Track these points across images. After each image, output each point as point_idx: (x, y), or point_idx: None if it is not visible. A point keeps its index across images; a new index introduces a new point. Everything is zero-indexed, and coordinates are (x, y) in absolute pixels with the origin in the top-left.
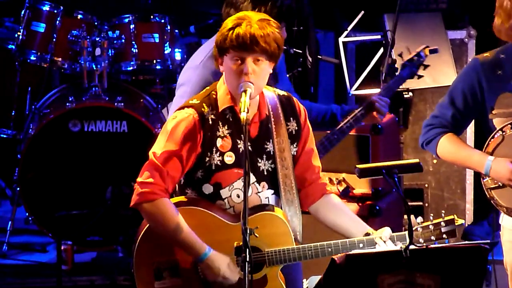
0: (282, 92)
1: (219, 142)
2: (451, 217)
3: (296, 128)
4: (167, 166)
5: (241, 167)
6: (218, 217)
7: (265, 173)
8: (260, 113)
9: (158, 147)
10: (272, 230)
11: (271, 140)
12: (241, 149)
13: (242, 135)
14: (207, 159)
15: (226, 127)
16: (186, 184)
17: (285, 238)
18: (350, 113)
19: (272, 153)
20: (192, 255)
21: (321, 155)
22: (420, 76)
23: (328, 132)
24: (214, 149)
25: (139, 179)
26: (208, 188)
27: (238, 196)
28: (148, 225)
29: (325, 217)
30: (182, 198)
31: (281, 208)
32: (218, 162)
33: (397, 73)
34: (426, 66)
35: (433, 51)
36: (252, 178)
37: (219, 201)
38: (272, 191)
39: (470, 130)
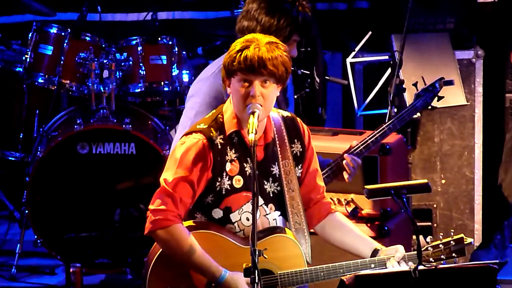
0: (286, 113)
1: (228, 166)
2: (460, 235)
3: (301, 149)
4: (179, 192)
5: (250, 190)
6: (230, 240)
7: (271, 195)
8: (266, 136)
9: (169, 174)
10: (284, 253)
11: (276, 163)
12: (248, 172)
13: (248, 159)
14: (217, 183)
15: (233, 151)
16: (195, 208)
17: (297, 260)
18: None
19: (278, 176)
20: (210, 278)
21: None
22: (433, 108)
23: None
24: (224, 174)
25: (151, 207)
26: (218, 213)
27: (248, 219)
28: (160, 251)
29: (332, 236)
30: (191, 223)
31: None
32: (228, 186)
33: (410, 103)
34: (440, 98)
35: (448, 83)
36: (260, 201)
37: (229, 225)
38: (279, 213)
39: (479, 150)
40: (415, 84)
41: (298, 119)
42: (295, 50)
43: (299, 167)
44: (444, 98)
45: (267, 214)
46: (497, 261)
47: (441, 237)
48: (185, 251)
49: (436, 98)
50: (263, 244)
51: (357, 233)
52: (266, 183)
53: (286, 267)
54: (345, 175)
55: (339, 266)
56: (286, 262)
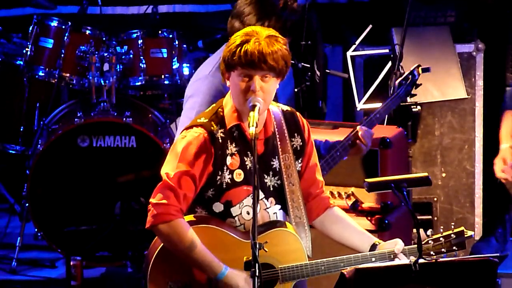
0: (285, 108)
1: (228, 160)
2: (461, 229)
3: (301, 143)
4: (181, 186)
5: (250, 184)
6: (231, 235)
7: (271, 188)
8: (266, 130)
9: (171, 168)
10: (285, 247)
11: (276, 157)
12: (248, 166)
13: (249, 152)
14: (218, 177)
15: (234, 145)
16: (196, 203)
17: (298, 254)
18: (336, 145)
19: (278, 170)
20: (209, 274)
21: None
22: (412, 95)
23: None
24: (225, 168)
25: (152, 200)
26: (218, 207)
27: (248, 213)
28: (161, 246)
29: (330, 230)
30: (192, 217)
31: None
32: (229, 180)
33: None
34: (418, 85)
35: (425, 70)
36: (260, 194)
37: (230, 219)
38: (280, 206)
39: (479, 144)
40: (395, 73)
41: (298, 114)
42: None
43: (299, 161)
44: (445, 90)
45: (267, 208)
46: (498, 254)
47: (441, 230)
48: (186, 246)
49: (414, 86)
50: (263, 238)
51: (356, 228)
52: (266, 177)
53: (287, 261)
54: (362, 146)
55: (339, 259)
56: (286, 256)
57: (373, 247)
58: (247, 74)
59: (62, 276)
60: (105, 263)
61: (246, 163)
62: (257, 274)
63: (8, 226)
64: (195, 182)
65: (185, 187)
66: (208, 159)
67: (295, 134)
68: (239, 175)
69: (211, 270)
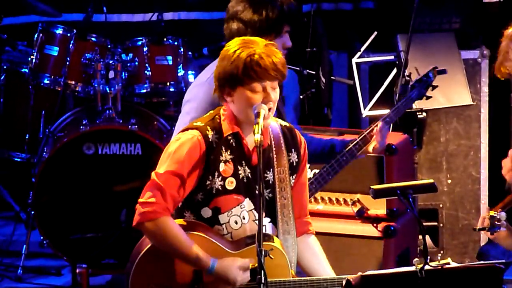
0: (284, 123)
1: (221, 166)
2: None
3: (297, 160)
4: (168, 186)
5: (241, 193)
6: (218, 244)
7: None
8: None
9: (161, 168)
10: (270, 262)
11: (271, 170)
12: (241, 176)
13: (243, 162)
14: (208, 182)
15: (229, 152)
16: (184, 206)
17: (281, 270)
18: (351, 142)
19: (271, 183)
20: (200, 267)
21: (315, 190)
22: (428, 97)
23: (326, 164)
24: (216, 173)
25: (140, 200)
26: (207, 212)
27: (236, 223)
28: (147, 248)
29: (300, 256)
30: (180, 222)
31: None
32: (219, 187)
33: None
34: (434, 87)
35: (441, 72)
36: (250, 205)
37: (217, 226)
38: (269, 220)
39: (484, 150)
40: (409, 76)
41: (296, 130)
42: (288, 40)
43: (293, 176)
44: (450, 97)
45: (256, 220)
46: (504, 261)
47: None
48: (174, 243)
49: (430, 88)
50: (250, 250)
51: (324, 264)
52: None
53: (271, 276)
54: (373, 144)
55: (323, 279)
56: (270, 270)
57: None
58: (262, 87)
59: (68, 284)
60: (111, 271)
61: (239, 172)
62: (263, 281)
63: (14, 234)
64: (183, 182)
65: (173, 186)
66: (199, 161)
67: (292, 149)
68: (231, 183)
69: (201, 263)
